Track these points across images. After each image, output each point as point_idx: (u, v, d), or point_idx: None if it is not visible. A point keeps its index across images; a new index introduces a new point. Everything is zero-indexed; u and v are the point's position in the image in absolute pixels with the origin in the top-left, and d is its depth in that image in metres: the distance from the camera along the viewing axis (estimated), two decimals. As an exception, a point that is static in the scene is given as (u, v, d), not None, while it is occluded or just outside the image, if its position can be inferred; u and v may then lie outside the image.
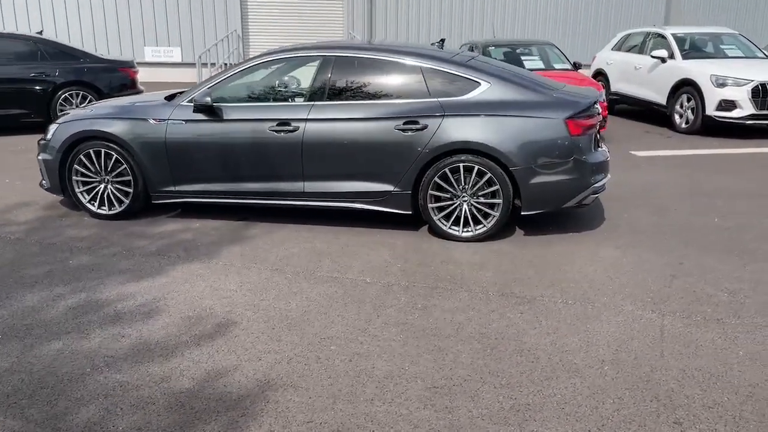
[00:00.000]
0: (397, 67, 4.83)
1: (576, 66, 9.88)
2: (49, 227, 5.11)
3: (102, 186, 5.26)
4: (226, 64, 15.63)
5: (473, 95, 4.69)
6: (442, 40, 5.52)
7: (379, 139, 4.70)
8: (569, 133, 4.55)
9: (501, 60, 9.75)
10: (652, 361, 3.04)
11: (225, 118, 4.93)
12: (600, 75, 12.37)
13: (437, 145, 4.62)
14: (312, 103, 4.85)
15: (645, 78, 10.81)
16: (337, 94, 4.87)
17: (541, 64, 9.64)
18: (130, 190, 5.20)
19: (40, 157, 5.38)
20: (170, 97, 5.26)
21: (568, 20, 18.53)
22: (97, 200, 5.30)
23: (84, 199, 5.32)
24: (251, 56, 4.79)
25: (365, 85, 4.86)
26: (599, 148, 4.97)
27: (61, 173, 5.29)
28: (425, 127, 4.63)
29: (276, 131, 4.82)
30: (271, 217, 5.29)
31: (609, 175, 4.99)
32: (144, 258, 4.43)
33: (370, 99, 4.81)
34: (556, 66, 9.70)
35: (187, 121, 4.99)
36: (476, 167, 4.61)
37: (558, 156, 4.57)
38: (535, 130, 4.56)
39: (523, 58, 9.70)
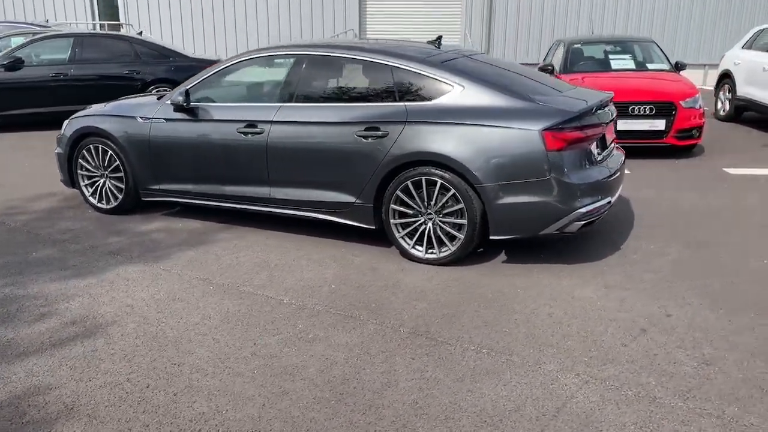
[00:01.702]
0: (366, 67, 4.40)
1: (678, 66, 8.60)
2: (51, 218, 5.35)
3: (102, 181, 5.40)
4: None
5: (442, 100, 4.12)
6: (439, 38, 4.94)
7: (339, 146, 4.31)
8: (545, 147, 3.83)
9: (599, 59, 8.80)
10: (517, 445, 2.39)
11: (200, 118, 4.82)
12: (726, 77, 10.69)
13: (397, 155, 4.12)
14: (279, 104, 4.57)
15: (773, 81, 9.13)
16: (305, 95, 4.54)
17: (631, 64, 8.52)
18: (123, 186, 5.30)
19: (56, 151, 5.66)
20: (161, 96, 5.27)
21: (681, 14, 16.35)
22: (97, 194, 5.46)
23: (87, 192, 5.50)
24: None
25: (332, 86, 4.50)
26: (601, 164, 4.15)
27: (69, 167, 5.53)
28: (386, 134, 4.16)
29: (243, 133, 4.61)
30: (252, 222, 5.09)
31: (611, 199, 4.15)
32: (98, 256, 4.44)
33: (335, 101, 4.43)
34: (650, 66, 8.52)
35: (167, 119, 4.95)
36: (439, 182, 4.05)
37: (531, 174, 3.87)
38: (506, 142, 3.90)
39: (611, 57, 8.63)
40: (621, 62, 8.48)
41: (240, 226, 5.06)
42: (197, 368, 2.95)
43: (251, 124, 4.59)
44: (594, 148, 4.10)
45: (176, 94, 4.87)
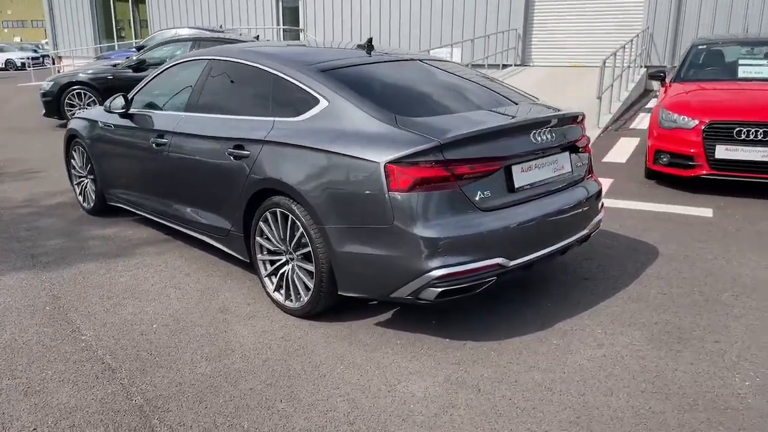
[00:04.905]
0: (254, 75, 3.75)
1: None
2: (42, 214, 5.60)
3: (85, 181, 5.51)
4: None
5: (304, 117, 3.34)
6: (369, 40, 4.01)
7: (215, 163, 3.77)
8: (387, 185, 2.86)
9: (725, 65, 6.94)
10: None
11: (133, 125, 4.61)
12: None
13: (253, 181, 3.46)
14: (182, 114, 4.16)
15: None
16: (203, 105, 4.06)
17: (767, 73, 6.47)
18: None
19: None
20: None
21: None
22: (82, 195, 5.59)
23: (77, 191, 5.67)
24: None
25: (222, 95, 3.95)
26: (498, 210, 3.01)
27: (67, 166, 5.74)
28: (248, 154, 3.51)
29: (155, 143, 4.29)
30: (192, 238, 4.76)
31: (502, 260, 2.98)
32: (15, 258, 4.47)
33: (219, 113, 3.88)
34: (796, 75, 6.38)
35: (115, 125, 4.84)
36: (290, 216, 3.30)
37: (372, 219, 2.93)
38: (350, 175, 3.00)
39: (742, 62, 6.65)
40: (753, 69, 6.47)
41: (179, 241, 4.77)
42: None
43: (160, 134, 4.26)
44: (481, 188, 2.97)
45: (111, 99, 4.73)
